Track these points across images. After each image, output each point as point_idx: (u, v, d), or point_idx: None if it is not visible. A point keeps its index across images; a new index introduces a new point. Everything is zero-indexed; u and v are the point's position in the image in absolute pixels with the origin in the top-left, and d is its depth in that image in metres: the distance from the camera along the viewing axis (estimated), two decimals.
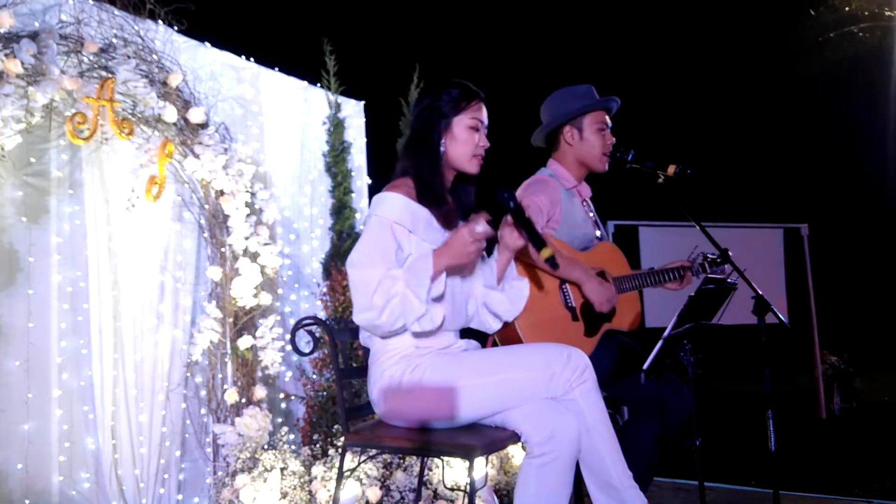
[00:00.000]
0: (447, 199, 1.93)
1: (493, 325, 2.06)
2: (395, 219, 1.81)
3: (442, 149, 1.92)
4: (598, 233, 2.56)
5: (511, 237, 1.90)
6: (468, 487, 1.68)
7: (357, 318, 1.79)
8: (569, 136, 2.50)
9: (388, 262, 1.77)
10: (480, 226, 1.74)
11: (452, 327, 1.94)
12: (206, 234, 3.01)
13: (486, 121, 1.96)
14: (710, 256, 2.50)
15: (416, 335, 1.82)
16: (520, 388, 1.75)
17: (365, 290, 1.74)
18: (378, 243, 1.80)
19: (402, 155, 1.98)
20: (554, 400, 1.76)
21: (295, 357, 3.28)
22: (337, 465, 2.41)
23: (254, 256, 2.99)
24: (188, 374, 2.96)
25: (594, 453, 1.77)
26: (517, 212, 1.80)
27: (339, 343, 2.09)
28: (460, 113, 1.91)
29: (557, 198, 2.40)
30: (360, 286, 1.76)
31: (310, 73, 3.80)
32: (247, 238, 2.97)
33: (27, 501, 2.49)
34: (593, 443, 1.76)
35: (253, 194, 3.05)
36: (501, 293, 2.03)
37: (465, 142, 1.91)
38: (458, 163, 1.93)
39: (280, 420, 3.17)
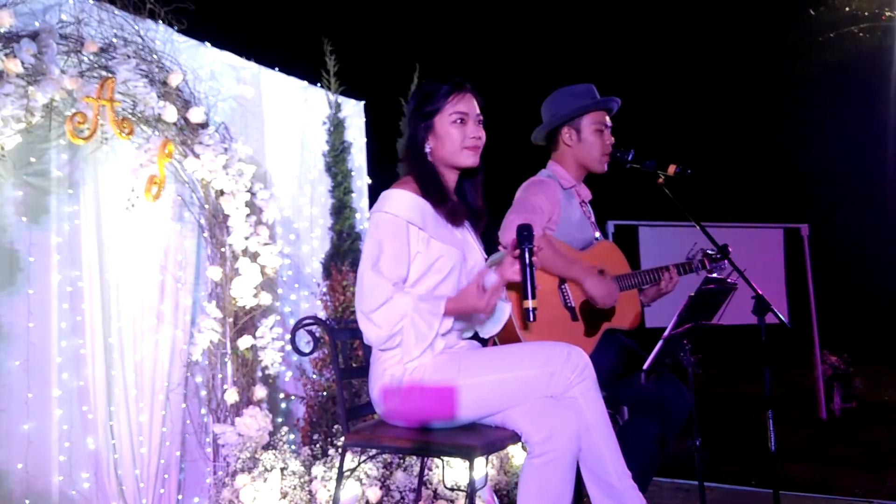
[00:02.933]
0: (450, 197, 1.93)
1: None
2: (408, 217, 1.82)
3: (427, 150, 1.91)
4: (596, 234, 2.56)
5: (510, 270, 1.88)
6: (468, 487, 1.68)
7: (358, 318, 1.82)
8: (567, 137, 2.49)
9: (401, 270, 1.80)
10: (489, 279, 1.77)
11: (457, 328, 1.94)
12: (206, 234, 3.01)
13: (474, 111, 1.92)
14: (709, 253, 2.50)
15: None
16: (520, 387, 1.75)
17: (371, 298, 1.77)
18: (393, 246, 1.80)
19: (401, 160, 2.00)
20: (553, 398, 1.76)
21: (295, 357, 3.28)
22: (337, 465, 2.41)
23: (254, 256, 2.98)
24: (188, 374, 2.96)
25: (593, 452, 1.76)
26: (529, 253, 1.78)
27: (339, 343, 2.09)
28: (439, 112, 1.90)
29: (556, 197, 2.40)
30: (367, 289, 1.79)
31: (310, 73, 3.80)
32: (247, 238, 2.97)
33: (27, 501, 2.49)
34: (593, 441, 1.76)
35: (253, 194, 3.05)
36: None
37: (450, 137, 1.89)
38: (449, 159, 1.92)
39: (280, 420, 3.17)
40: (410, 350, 1.77)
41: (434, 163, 1.93)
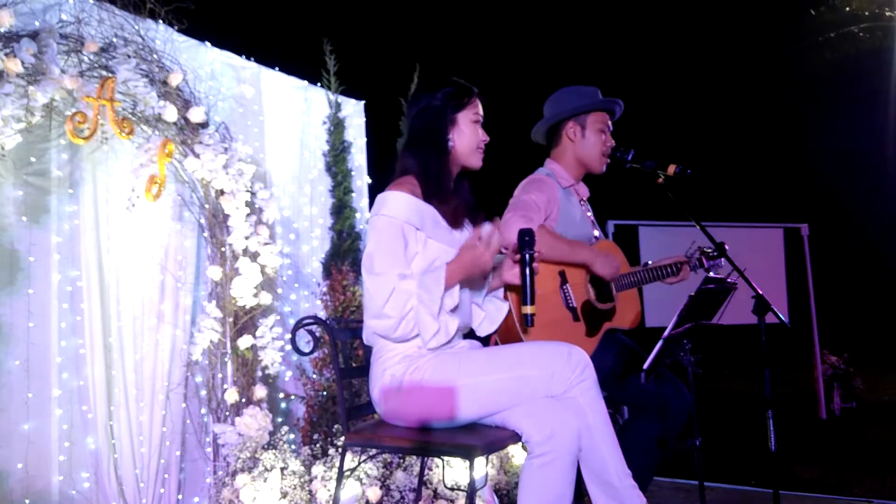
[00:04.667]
0: (453, 196, 1.93)
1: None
2: (404, 218, 1.82)
3: (451, 144, 1.94)
4: (596, 232, 2.56)
5: (510, 273, 1.91)
6: (468, 487, 1.68)
7: (370, 322, 1.82)
8: (571, 132, 2.50)
9: (401, 268, 1.79)
10: (484, 230, 1.77)
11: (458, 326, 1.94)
12: (206, 234, 3.01)
13: (483, 115, 2.01)
14: (706, 250, 2.51)
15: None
16: (520, 387, 1.75)
17: (378, 297, 1.77)
18: (390, 247, 1.80)
19: (403, 155, 1.98)
20: (554, 398, 1.76)
21: (295, 357, 3.28)
22: (337, 464, 2.41)
23: (254, 256, 2.98)
24: (188, 374, 2.96)
25: (594, 452, 1.77)
26: (529, 258, 1.79)
27: (340, 343, 2.10)
28: (463, 109, 1.96)
29: (555, 196, 2.40)
30: (372, 292, 1.79)
31: (310, 72, 3.80)
32: (247, 238, 2.97)
33: (27, 501, 2.49)
34: (593, 441, 1.76)
35: (253, 194, 3.05)
36: (481, 310, 2.08)
37: (470, 136, 1.96)
38: (464, 157, 1.97)
39: (280, 420, 3.17)
40: (428, 325, 1.76)
41: (451, 157, 1.96)
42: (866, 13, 9.52)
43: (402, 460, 2.90)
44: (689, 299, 2.01)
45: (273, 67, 3.57)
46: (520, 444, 1.75)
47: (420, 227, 1.83)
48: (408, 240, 1.82)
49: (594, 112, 2.48)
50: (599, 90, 2.53)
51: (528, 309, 1.76)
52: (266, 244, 3.02)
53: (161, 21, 2.89)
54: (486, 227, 1.79)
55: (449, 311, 1.82)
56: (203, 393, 2.97)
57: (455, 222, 1.92)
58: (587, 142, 2.47)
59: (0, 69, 2.37)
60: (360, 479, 2.76)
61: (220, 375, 2.92)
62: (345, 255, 3.60)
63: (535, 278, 1.79)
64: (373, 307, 1.79)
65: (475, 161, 1.99)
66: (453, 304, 1.81)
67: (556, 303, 2.29)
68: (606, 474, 1.77)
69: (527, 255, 1.78)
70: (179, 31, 3.00)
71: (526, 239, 1.79)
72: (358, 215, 3.81)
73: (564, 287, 2.31)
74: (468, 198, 2.03)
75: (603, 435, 1.77)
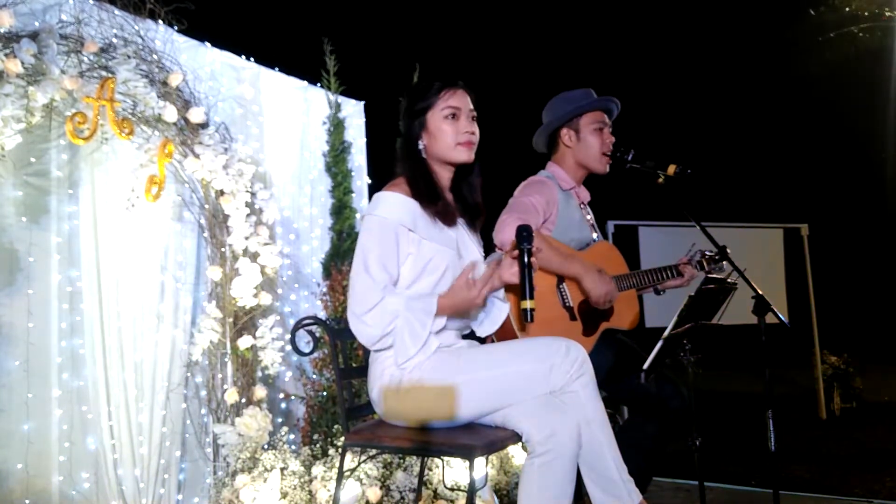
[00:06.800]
0: (441, 196, 1.91)
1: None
2: (396, 219, 1.81)
3: (421, 146, 1.91)
4: (595, 236, 2.55)
5: (509, 271, 1.89)
6: (468, 487, 1.68)
7: (350, 321, 1.82)
8: (566, 139, 2.50)
9: (390, 272, 1.80)
10: (478, 270, 1.78)
11: (454, 327, 1.94)
12: (206, 234, 3.01)
13: (466, 106, 1.91)
14: (707, 254, 2.50)
15: None
16: (520, 382, 1.75)
17: (362, 300, 1.77)
18: (381, 247, 1.80)
19: (397, 158, 1.99)
20: (553, 395, 1.76)
21: (295, 357, 3.28)
22: (337, 465, 2.41)
23: (254, 256, 2.98)
24: (188, 374, 2.96)
25: (593, 446, 1.76)
26: (527, 255, 1.78)
27: (339, 343, 2.09)
28: (432, 107, 1.89)
29: (554, 198, 2.40)
30: (358, 290, 1.79)
31: (310, 73, 3.80)
32: (247, 238, 2.97)
33: (27, 501, 2.49)
34: (593, 434, 1.76)
35: (253, 194, 3.05)
36: (482, 311, 2.05)
37: (444, 133, 1.88)
38: (443, 155, 1.91)
39: (280, 420, 3.17)
40: (407, 349, 1.76)
41: (428, 160, 1.92)
42: (866, 13, 9.52)
43: (402, 460, 2.90)
44: (689, 299, 2.01)
45: (273, 68, 3.57)
46: (520, 444, 1.75)
47: (413, 227, 1.83)
48: (399, 241, 1.81)
49: (587, 114, 2.48)
50: (592, 90, 2.53)
51: (527, 304, 1.75)
52: (266, 244, 3.02)
53: (161, 21, 2.90)
54: (481, 269, 1.79)
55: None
56: (203, 393, 2.97)
57: (447, 222, 1.90)
58: (584, 144, 2.47)
59: (0, 69, 2.37)
60: (360, 480, 2.76)
61: (220, 376, 2.92)
62: (345, 255, 3.60)
63: (533, 273, 1.78)
64: (355, 306, 1.78)
65: (458, 156, 1.89)
66: (439, 328, 1.83)
67: (553, 301, 2.29)
68: (605, 469, 1.76)
69: (525, 251, 1.78)
70: (179, 31, 3.00)
71: (524, 234, 1.78)
72: (358, 215, 3.81)
73: (561, 286, 2.31)
74: (472, 198, 2.00)
75: (602, 428, 1.77)
